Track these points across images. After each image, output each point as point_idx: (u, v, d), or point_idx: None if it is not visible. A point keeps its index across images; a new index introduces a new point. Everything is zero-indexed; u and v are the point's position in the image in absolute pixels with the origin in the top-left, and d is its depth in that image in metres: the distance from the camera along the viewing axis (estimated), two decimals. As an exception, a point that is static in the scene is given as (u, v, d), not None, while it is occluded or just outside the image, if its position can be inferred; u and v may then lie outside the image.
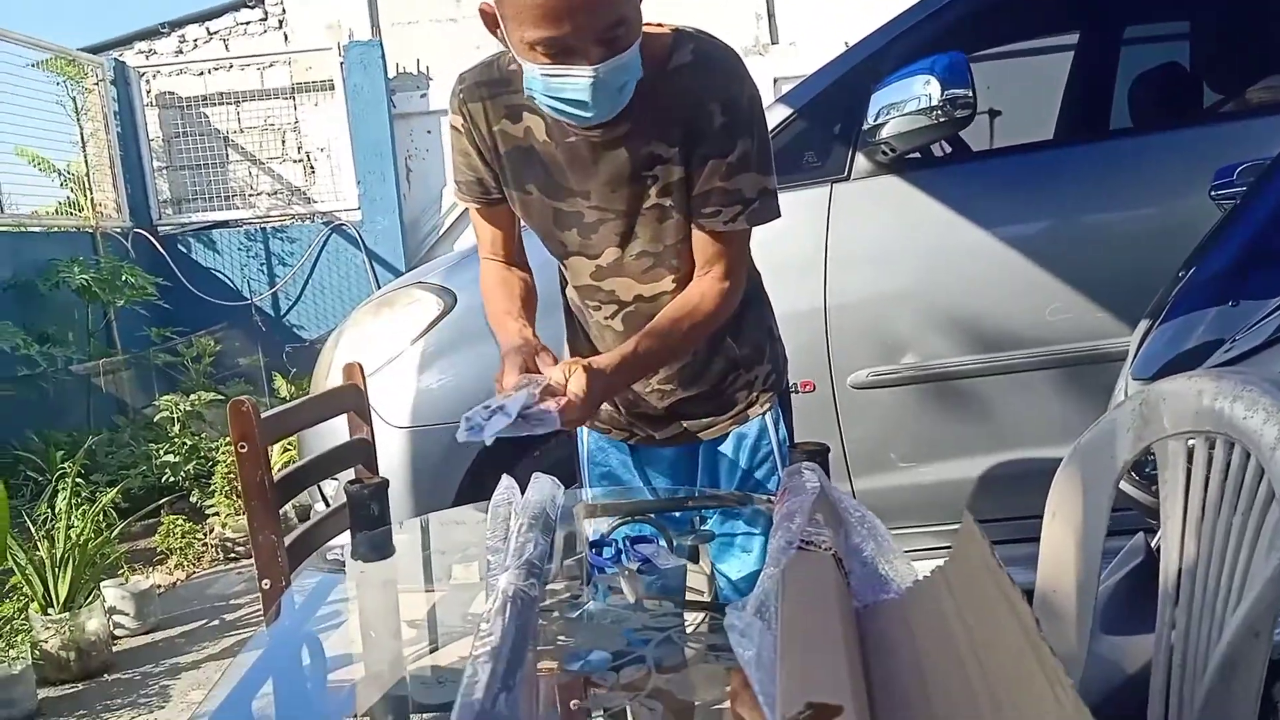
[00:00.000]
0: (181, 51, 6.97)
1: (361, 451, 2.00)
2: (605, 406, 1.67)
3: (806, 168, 2.62)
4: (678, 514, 1.58)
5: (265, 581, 1.65)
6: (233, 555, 4.07)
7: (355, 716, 1.26)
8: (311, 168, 6.69)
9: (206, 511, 4.28)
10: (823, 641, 0.91)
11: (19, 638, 2.97)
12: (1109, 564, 1.72)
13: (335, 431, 2.22)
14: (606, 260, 1.51)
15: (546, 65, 1.28)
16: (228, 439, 1.68)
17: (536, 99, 1.34)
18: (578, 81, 1.28)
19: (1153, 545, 1.74)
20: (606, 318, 1.58)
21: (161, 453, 4.55)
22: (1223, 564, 1.01)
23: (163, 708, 2.83)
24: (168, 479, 4.47)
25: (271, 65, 6.70)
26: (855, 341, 2.60)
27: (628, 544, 1.35)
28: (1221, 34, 3.46)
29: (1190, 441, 1.11)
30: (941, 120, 2.40)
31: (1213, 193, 2.23)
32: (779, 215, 1.48)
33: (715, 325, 1.50)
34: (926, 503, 2.59)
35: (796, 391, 2.56)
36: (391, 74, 6.62)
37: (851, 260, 2.59)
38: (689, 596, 1.39)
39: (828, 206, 2.60)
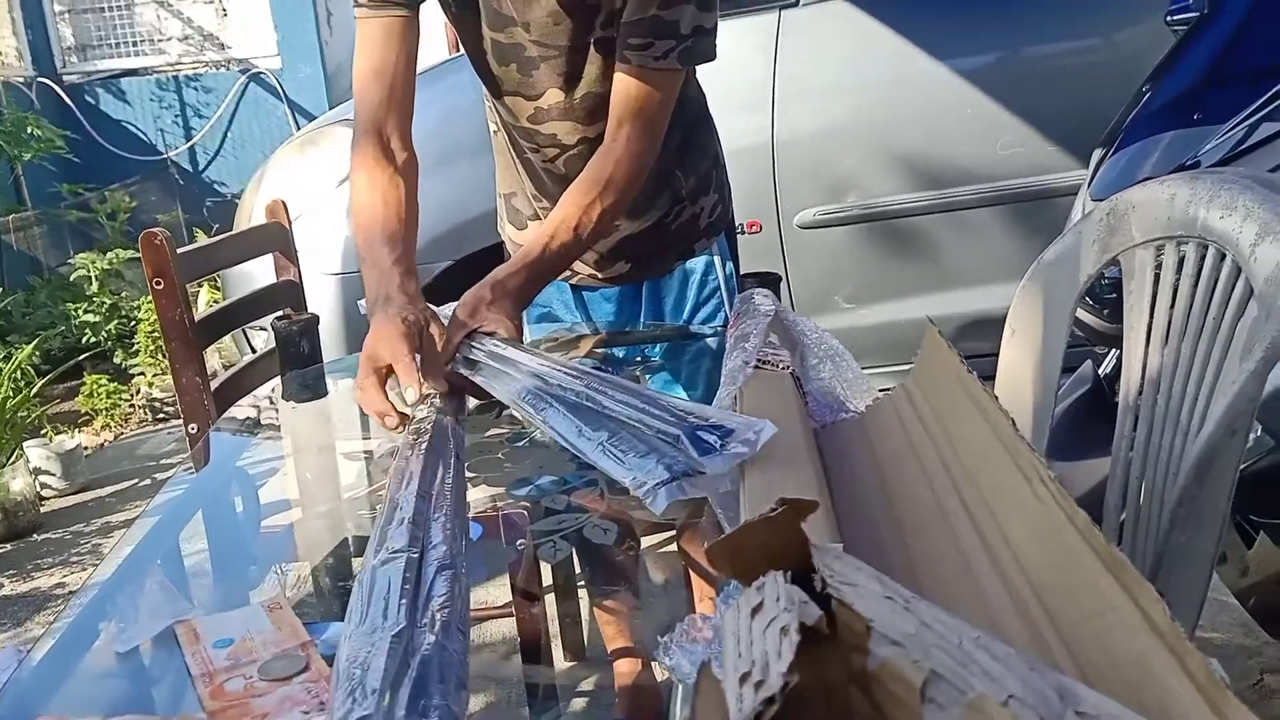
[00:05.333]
0: (77, -117, 6.41)
1: (290, 293, 1.90)
2: None
3: (753, -8, 2.49)
4: (621, 352, 1.53)
5: (191, 426, 1.57)
6: (161, 416, 3.96)
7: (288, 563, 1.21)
8: (224, 10, 6.28)
9: (131, 371, 4.14)
10: (786, 454, 0.87)
11: (-61, 498, 2.87)
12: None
13: (260, 279, 2.12)
14: (548, 102, 1.38)
15: None
16: (149, 297, 1.59)
17: None
18: None
19: (1100, 373, 1.74)
20: (546, 161, 1.45)
21: (81, 312, 4.36)
22: (1189, 370, 0.98)
23: (95, 565, 2.77)
24: (88, 339, 4.30)
25: (176, -103, 6.20)
26: (803, 179, 2.52)
27: (574, 374, 1.29)
28: None
29: (1160, 249, 1.07)
30: (896, -63, 2.28)
31: (1169, 18, 2.16)
32: (714, 58, 1.33)
33: (628, 202, 1.33)
34: (872, 344, 2.57)
35: (743, 232, 2.49)
36: (306, -93, 6.17)
37: (800, 93, 2.50)
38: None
39: (776, 35, 2.48)
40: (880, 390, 1.11)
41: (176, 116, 6.12)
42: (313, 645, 0.75)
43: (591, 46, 1.33)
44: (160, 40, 6.28)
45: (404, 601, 0.66)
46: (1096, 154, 1.81)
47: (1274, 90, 1.49)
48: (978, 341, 2.35)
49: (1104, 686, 0.50)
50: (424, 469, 0.91)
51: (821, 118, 2.52)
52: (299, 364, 1.47)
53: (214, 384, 1.64)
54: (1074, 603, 0.57)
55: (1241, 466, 1.43)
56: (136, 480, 3.40)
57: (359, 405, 1.14)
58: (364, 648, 0.60)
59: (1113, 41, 2.56)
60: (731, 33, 2.57)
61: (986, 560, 0.68)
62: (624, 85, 1.29)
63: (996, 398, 0.81)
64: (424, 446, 0.95)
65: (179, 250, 1.55)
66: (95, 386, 3.88)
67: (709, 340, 1.51)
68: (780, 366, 1.11)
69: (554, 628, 1.66)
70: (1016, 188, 2.51)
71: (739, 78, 2.50)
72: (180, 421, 1.61)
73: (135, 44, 6.22)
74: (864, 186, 2.55)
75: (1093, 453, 1.50)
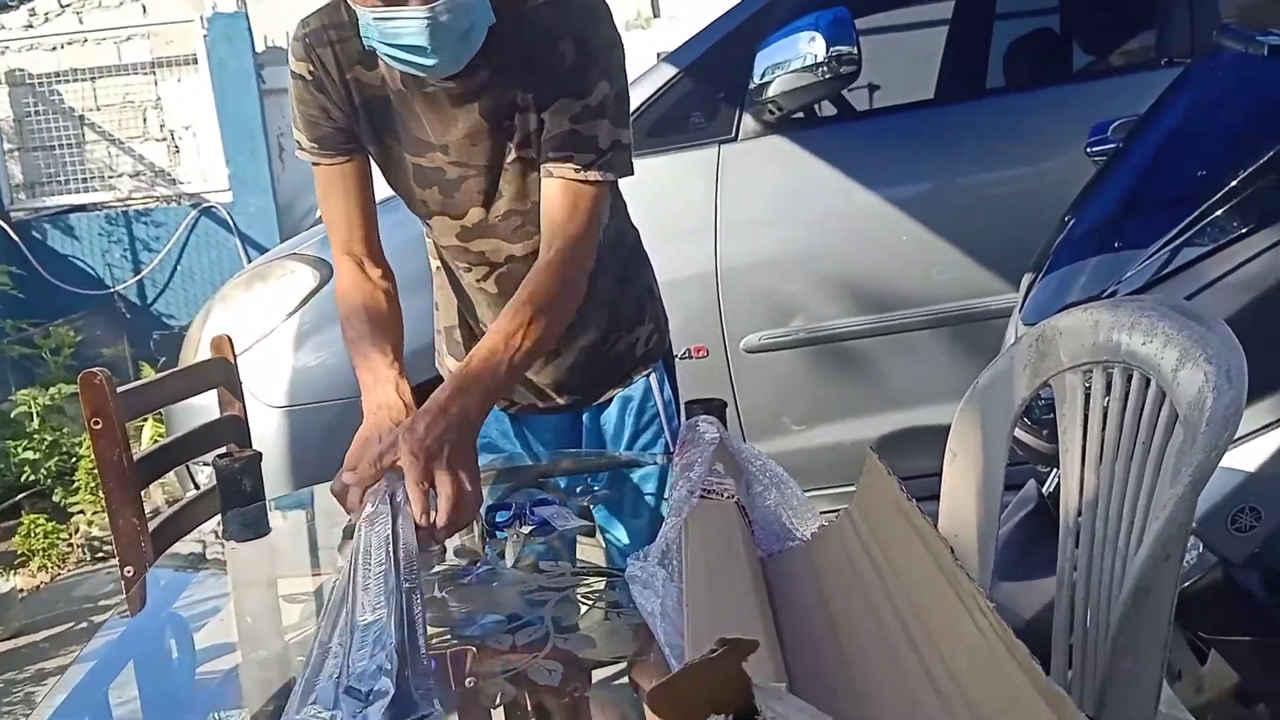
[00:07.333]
0: (31, 26, 6.53)
1: (234, 429, 1.87)
2: None
3: (693, 128, 2.58)
4: (563, 481, 1.52)
5: (127, 569, 1.53)
6: (100, 555, 3.84)
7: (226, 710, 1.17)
8: (176, 147, 6.35)
9: (70, 510, 4.02)
10: (730, 587, 0.86)
11: None
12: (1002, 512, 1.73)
13: (206, 413, 2.09)
14: (471, 220, 1.41)
15: (378, 8, 1.17)
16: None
17: (375, 49, 1.23)
18: (411, 24, 1.16)
19: (1044, 491, 1.76)
20: (478, 280, 1.48)
21: (19, 450, 4.26)
22: (1124, 493, 1.00)
23: (27, 716, 2.64)
24: (27, 477, 4.19)
25: (129, 39, 6.33)
26: (747, 305, 2.58)
27: (528, 507, 1.28)
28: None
29: (1088, 373, 1.10)
30: (827, 77, 2.39)
31: (1089, 149, 2.27)
32: (632, 172, 1.37)
33: (564, 315, 1.34)
34: (822, 465, 2.59)
35: (689, 357, 2.53)
36: (260, 48, 6.32)
37: (741, 223, 2.57)
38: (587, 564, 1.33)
39: (716, 168, 2.57)
40: (824, 511, 1.12)
41: (125, 251, 6.12)
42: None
43: (508, 167, 1.37)
44: (111, 176, 6.32)
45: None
46: (1026, 279, 1.88)
47: (1189, 218, 1.56)
48: (924, 460, 2.38)
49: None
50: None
51: (763, 246, 2.59)
52: (241, 502, 1.44)
53: (154, 523, 1.60)
54: (1016, 738, 0.57)
55: (1187, 584, 1.45)
56: (73, 624, 3.27)
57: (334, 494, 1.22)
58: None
59: (1039, 170, 2.68)
60: (674, 166, 2.67)
61: (931, 693, 0.68)
62: (550, 200, 1.33)
63: (935, 525, 0.82)
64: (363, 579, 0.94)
65: (119, 389, 1.53)
66: (33, 526, 3.76)
67: (651, 468, 1.51)
68: (725, 495, 1.12)
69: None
70: (954, 310, 2.58)
71: (682, 209, 2.57)
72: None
73: (85, 180, 6.25)
74: (808, 311, 2.61)
75: (1040, 572, 1.51)
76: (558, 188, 1.32)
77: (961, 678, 0.66)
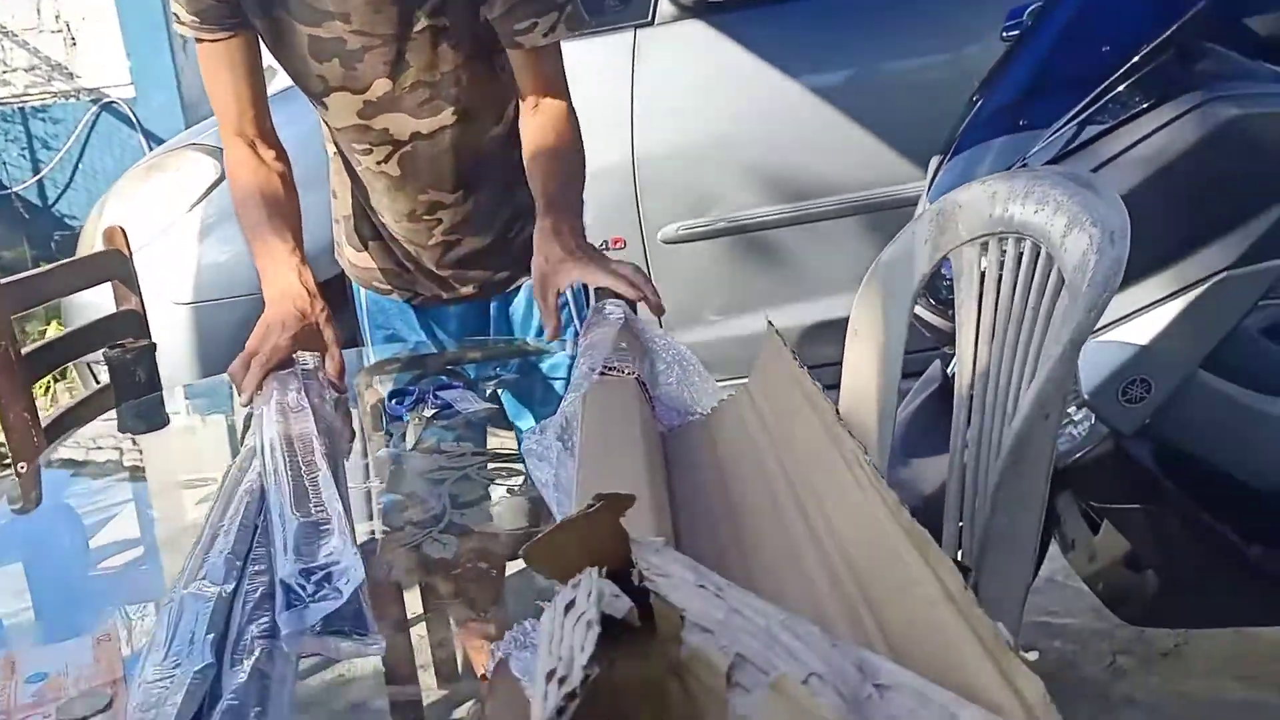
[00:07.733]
0: (-93, -93, 6.08)
1: (131, 324, 1.81)
2: (385, 264, 1.56)
3: (609, 11, 2.51)
4: (472, 370, 1.51)
5: (20, 465, 1.48)
6: (6, 461, 3.75)
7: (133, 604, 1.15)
8: (73, 39, 6.02)
9: (-25, 417, 3.91)
10: (624, 454, 0.86)
11: None
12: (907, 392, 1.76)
13: (104, 311, 2.02)
14: (375, 94, 1.36)
15: None
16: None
17: None
18: None
19: (948, 372, 1.79)
20: (379, 162, 1.43)
21: (-83, 357, 4.10)
22: (1013, 361, 1.02)
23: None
24: (-73, 385, 4.05)
25: (16, -78, 5.94)
26: (665, 195, 2.54)
27: (430, 391, 1.27)
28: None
29: (984, 246, 1.11)
30: (745, -42, 2.33)
31: (1004, 34, 2.25)
32: (587, 21, 1.42)
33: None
34: (742, 355, 2.60)
35: (607, 248, 2.50)
36: (158, -68, 5.99)
37: (658, 110, 2.52)
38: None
39: (632, 53, 2.50)
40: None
41: (23, 150, 5.84)
42: (123, 682, 0.71)
43: (416, 36, 1.32)
44: (5, 71, 5.99)
45: (211, 635, 0.62)
46: (934, 161, 1.88)
47: (1092, 95, 1.56)
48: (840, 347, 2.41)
49: (908, 656, 0.51)
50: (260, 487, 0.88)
51: (681, 134, 2.55)
52: (135, 393, 1.40)
53: (46, 420, 1.56)
54: (883, 578, 0.58)
55: (1079, 454, 1.50)
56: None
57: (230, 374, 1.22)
58: (162, 682, 0.57)
59: (959, 56, 2.66)
60: (588, 52, 2.60)
61: (811, 545, 0.69)
62: (526, 70, 1.36)
63: (823, 389, 0.82)
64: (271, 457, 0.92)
65: (2, 280, 1.46)
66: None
67: (560, 356, 1.50)
68: (627, 373, 1.11)
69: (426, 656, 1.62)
70: (872, 198, 2.58)
71: (597, 96, 2.50)
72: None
73: (-25, 75, 5.92)
74: (726, 201, 2.58)
75: (942, 449, 1.55)
76: (531, 55, 1.35)
77: (839, 528, 0.67)
